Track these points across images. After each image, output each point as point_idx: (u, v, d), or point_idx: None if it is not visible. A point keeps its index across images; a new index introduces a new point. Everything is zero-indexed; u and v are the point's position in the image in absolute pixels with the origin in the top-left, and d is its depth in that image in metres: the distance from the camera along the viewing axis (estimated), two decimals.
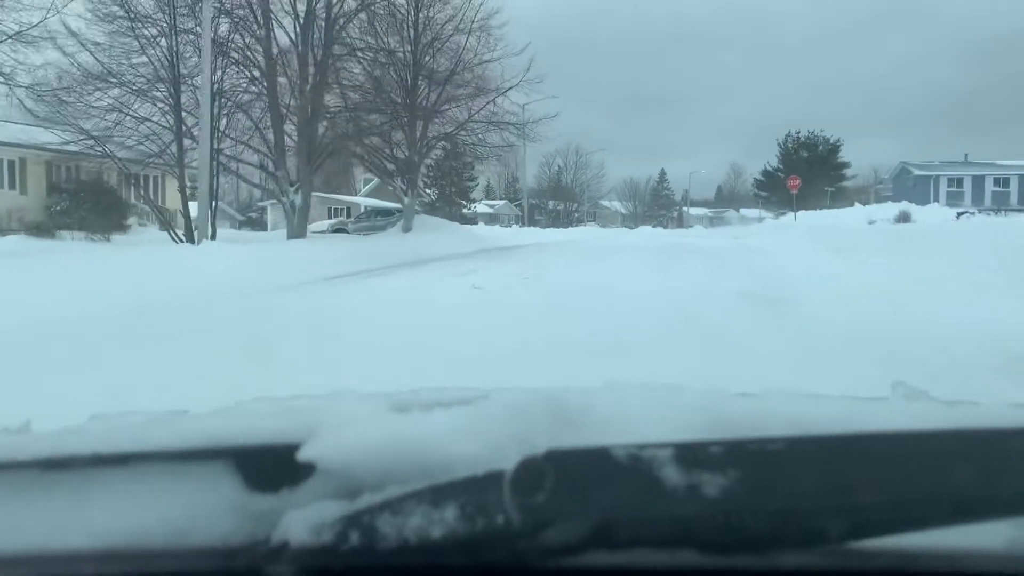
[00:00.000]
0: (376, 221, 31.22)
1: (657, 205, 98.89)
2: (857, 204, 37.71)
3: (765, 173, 73.41)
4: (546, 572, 0.59)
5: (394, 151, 25.61)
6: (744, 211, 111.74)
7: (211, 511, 0.65)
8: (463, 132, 26.73)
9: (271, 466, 0.67)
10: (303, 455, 0.65)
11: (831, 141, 69.79)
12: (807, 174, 58.52)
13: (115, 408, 0.81)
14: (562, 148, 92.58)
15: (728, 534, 0.56)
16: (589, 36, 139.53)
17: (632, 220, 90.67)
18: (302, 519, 0.60)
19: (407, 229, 25.72)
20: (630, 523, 0.57)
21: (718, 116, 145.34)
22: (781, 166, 69.85)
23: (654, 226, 75.68)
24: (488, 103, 26.21)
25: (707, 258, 15.80)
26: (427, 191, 64.35)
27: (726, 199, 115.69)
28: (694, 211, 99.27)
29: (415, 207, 26.56)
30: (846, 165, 69.26)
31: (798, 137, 71.34)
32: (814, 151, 69.15)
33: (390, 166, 25.53)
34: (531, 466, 0.56)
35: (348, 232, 30.25)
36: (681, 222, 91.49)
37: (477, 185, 62.22)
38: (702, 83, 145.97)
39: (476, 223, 53.98)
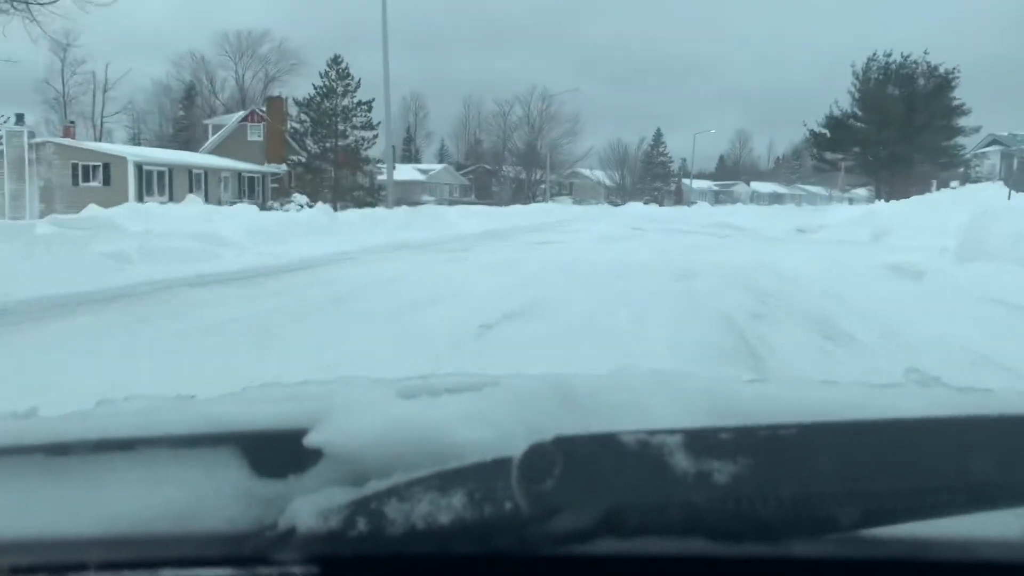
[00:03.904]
0: None
1: (651, 175, 78.62)
2: None
3: (831, 122, 42.87)
4: (554, 559, 0.59)
5: None
6: (756, 185, 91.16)
7: (218, 496, 0.65)
8: None
9: (278, 452, 0.67)
10: (310, 441, 0.66)
11: (939, 71, 40.53)
12: (903, 123, 37.11)
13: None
14: (522, 94, 71.83)
15: (738, 522, 0.55)
16: None
17: (619, 194, 70.57)
18: (309, 505, 0.60)
19: None
20: (639, 510, 0.57)
21: (721, 78, 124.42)
22: (858, 110, 42.17)
23: (646, 202, 57.20)
24: None
25: None
26: (304, 143, 42.53)
27: (730, 171, 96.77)
28: (696, 184, 78.79)
29: None
30: (963, 110, 40.74)
31: (886, 64, 41.67)
32: (911, 86, 40.78)
33: None
34: (539, 452, 0.57)
35: None
36: (681, 197, 71.94)
37: (376, 136, 40.34)
38: (703, 40, 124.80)
39: (379, 199, 33.79)
